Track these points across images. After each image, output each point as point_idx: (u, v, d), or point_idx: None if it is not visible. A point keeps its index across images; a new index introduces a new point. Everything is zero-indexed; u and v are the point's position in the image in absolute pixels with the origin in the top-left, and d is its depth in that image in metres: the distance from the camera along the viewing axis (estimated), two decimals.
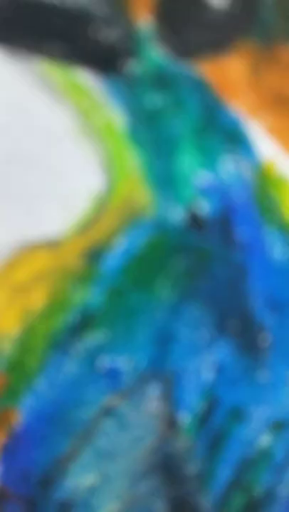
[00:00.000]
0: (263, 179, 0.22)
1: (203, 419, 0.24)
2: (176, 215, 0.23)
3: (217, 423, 0.24)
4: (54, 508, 0.25)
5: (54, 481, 0.25)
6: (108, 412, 0.24)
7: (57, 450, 0.25)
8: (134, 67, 0.23)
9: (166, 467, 0.27)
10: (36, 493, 0.25)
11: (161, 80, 0.22)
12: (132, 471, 0.26)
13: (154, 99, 0.22)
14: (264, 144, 0.21)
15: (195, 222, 0.22)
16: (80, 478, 0.25)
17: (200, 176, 0.22)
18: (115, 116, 0.23)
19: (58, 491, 0.25)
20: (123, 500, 0.27)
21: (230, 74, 0.24)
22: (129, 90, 0.23)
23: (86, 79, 0.23)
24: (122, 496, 0.26)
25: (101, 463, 0.25)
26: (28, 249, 0.23)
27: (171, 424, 0.26)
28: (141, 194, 0.23)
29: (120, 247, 0.22)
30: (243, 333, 0.23)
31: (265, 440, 0.24)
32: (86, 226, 0.23)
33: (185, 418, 0.23)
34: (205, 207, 0.22)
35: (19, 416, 0.24)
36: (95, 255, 0.23)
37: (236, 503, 0.25)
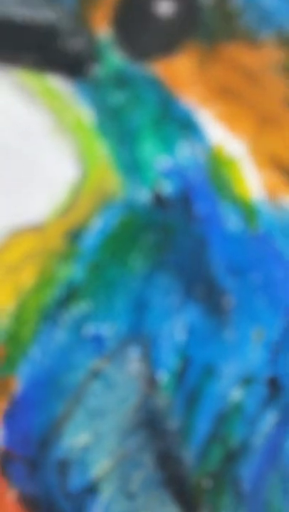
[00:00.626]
0: (215, 160, 0.23)
1: (179, 377, 0.25)
2: (143, 196, 0.24)
3: (192, 380, 0.25)
4: (52, 466, 0.26)
5: (51, 441, 0.26)
6: (95, 374, 0.25)
7: (52, 412, 0.26)
8: (97, 70, 0.23)
9: (149, 423, 0.26)
10: (36, 453, 0.26)
11: (121, 80, 0.23)
12: (120, 428, 0.26)
13: (116, 97, 0.23)
14: (213, 129, 0.22)
15: (159, 201, 0.24)
16: (74, 438, 0.26)
17: (160, 161, 0.23)
18: (84, 113, 0.24)
19: (56, 450, 0.26)
20: (114, 455, 0.26)
21: (180, 71, 0.23)
22: (94, 90, 0.23)
23: (57, 83, 0.23)
24: (113, 451, 0.26)
25: (92, 422, 0.26)
26: (17, 234, 0.25)
27: (151, 382, 0.26)
28: (111, 180, 0.24)
29: (96, 227, 0.24)
30: (209, 297, 0.25)
31: (236, 395, 0.25)
32: (65, 210, 0.25)
33: (163, 377, 0.25)
34: (167, 188, 0.23)
35: (17, 383, 0.26)
36: (74, 235, 0.25)
37: (215, 454, 0.26)
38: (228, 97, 0.23)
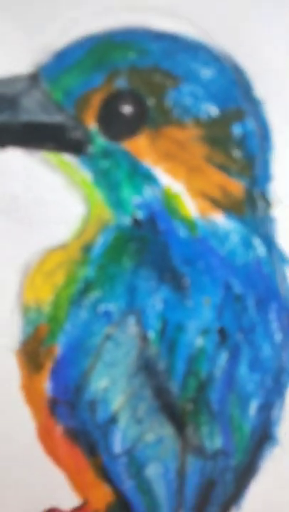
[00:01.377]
0: (167, 196, 0.31)
1: (161, 334, 0.32)
2: (126, 221, 0.32)
3: (169, 335, 0.33)
4: (85, 405, 0.33)
5: (83, 387, 0.33)
6: (108, 337, 0.32)
7: (81, 367, 0.33)
8: (90, 149, 0.31)
9: (146, 367, 0.33)
10: (73, 397, 0.33)
11: (106, 154, 0.31)
12: (127, 373, 0.33)
13: (104, 164, 0.31)
14: (163, 178, 0.31)
15: (137, 223, 0.32)
16: (98, 383, 0.33)
17: (135, 199, 0.31)
18: (86, 174, 0.31)
19: (86, 394, 0.33)
20: (125, 393, 0.33)
21: (140, 146, 0.30)
22: (90, 161, 0.31)
23: (68, 157, 0.31)
24: (124, 390, 0.33)
25: (108, 371, 0.33)
26: (51, 251, 0.33)
27: (144, 339, 0.32)
28: (105, 213, 0.32)
29: (99, 242, 0.32)
30: (174, 280, 0.32)
31: (199, 342, 0.32)
32: (80, 233, 0.32)
33: (151, 335, 0.32)
34: (140, 215, 0.31)
35: (58, 349, 0.33)
36: (87, 248, 0.32)
37: (191, 385, 0.33)
38: (170, 159, 0.31)
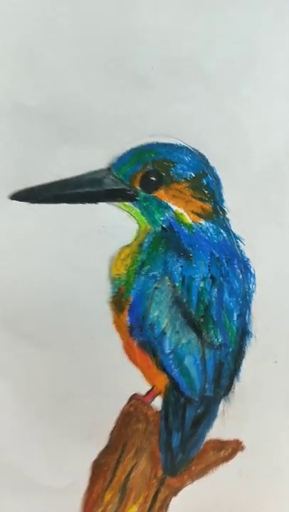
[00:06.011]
0: (176, 215, 0.42)
1: (182, 283, 0.42)
2: (158, 229, 0.42)
3: (186, 282, 0.42)
4: (148, 327, 0.41)
5: (146, 316, 0.42)
6: (156, 288, 0.42)
7: (144, 306, 0.42)
8: (138, 198, 0.42)
9: (177, 302, 0.41)
10: (141, 323, 0.42)
11: (145, 199, 0.42)
12: (168, 306, 0.41)
13: (145, 204, 0.42)
14: (173, 207, 0.42)
15: (164, 229, 0.42)
16: (153, 314, 0.42)
17: (161, 218, 0.42)
18: (137, 210, 0.43)
19: (148, 320, 0.42)
20: (167, 317, 0.41)
21: (161, 194, 0.42)
22: (138, 203, 0.42)
23: (128, 204, 0.42)
24: (167, 315, 0.41)
25: (158, 306, 0.41)
26: (123, 248, 0.43)
27: (174, 287, 0.42)
28: (148, 227, 0.43)
29: (147, 241, 0.43)
30: (184, 255, 0.42)
31: (201, 284, 0.41)
32: (136, 237, 0.44)
33: (177, 284, 0.41)
34: (165, 225, 0.42)
35: (131, 298, 0.42)
36: (140, 245, 0.43)
37: (200, 308, 0.41)
38: (176, 198, 0.41)
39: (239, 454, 0.45)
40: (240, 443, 0.45)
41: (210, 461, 0.45)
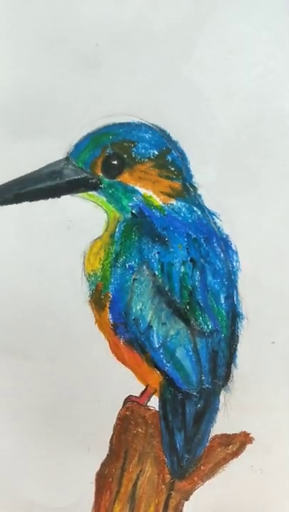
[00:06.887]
0: (144, 198, 0.40)
1: (162, 270, 0.40)
2: (128, 216, 0.41)
3: (166, 269, 0.40)
4: (132, 322, 0.40)
5: (128, 312, 0.40)
6: (134, 280, 0.40)
7: (125, 300, 0.40)
8: (101, 185, 0.41)
9: (159, 291, 0.40)
10: (124, 319, 0.40)
11: (110, 186, 0.41)
12: (150, 297, 0.40)
13: (110, 191, 0.41)
14: (140, 189, 0.40)
15: (133, 215, 0.41)
16: (136, 307, 0.40)
17: (129, 203, 0.41)
18: (102, 198, 0.41)
19: (131, 315, 0.40)
20: (152, 309, 0.40)
21: (125, 178, 0.41)
22: (103, 191, 0.41)
23: (92, 193, 0.41)
24: (151, 307, 0.40)
25: (139, 299, 0.40)
26: (95, 241, 0.41)
27: (154, 276, 0.40)
28: (117, 215, 0.42)
29: (118, 230, 0.41)
30: (159, 240, 0.40)
31: (182, 269, 0.40)
32: (106, 228, 0.42)
33: (157, 272, 0.39)
34: (134, 210, 0.41)
35: (110, 294, 0.40)
36: (112, 235, 0.42)
37: (184, 294, 0.40)
38: (141, 180, 0.40)
39: (248, 448, 0.43)
40: (248, 435, 0.43)
41: (218, 458, 0.43)
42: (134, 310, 0.40)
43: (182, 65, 0.40)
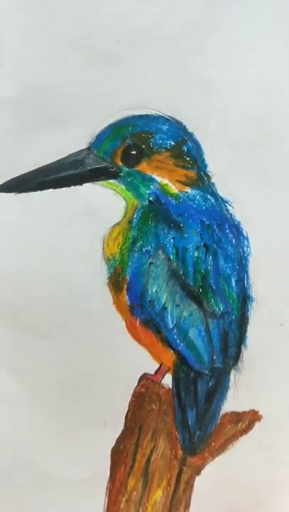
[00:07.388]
0: (161, 186, 0.42)
1: (176, 255, 0.42)
2: (146, 203, 0.42)
3: (180, 254, 0.42)
4: (148, 304, 0.41)
5: (144, 294, 0.42)
6: (150, 264, 0.41)
7: (141, 283, 0.42)
8: (121, 174, 0.42)
9: (173, 274, 0.41)
10: (141, 301, 0.42)
11: (129, 174, 0.42)
12: (165, 280, 0.41)
13: (129, 179, 0.42)
14: (157, 178, 0.42)
15: (151, 202, 0.42)
16: (151, 290, 0.41)
17: (147, 191, 0.42)
18: (122, 186, 0.43)
19: (147, 297, 0.41)
20: (166, 291, 0.41)
21: (143, 167, 0.41)
22: (122, 179, 0.43)
23: (112, 181, 0.43)
24: (166, 290, 0.41)
25: (155, 282, 0.41)
26: (113, 226, 0.43)
27: (169, 260, 0.41)
28: (135, 202, 0.43)
29: (136, 217, 0.43)
30: (175, 226, 0.42)
31: (196, 254, 0.41)
32: (125, 215, 0.44)
33: (172, 256, 0.41)
34: (151, 198, 0.42)
35: (127, 277, 0.42)
36: (130, 221, 0.43)
37: (198, 278, 0.41)
38: (159, 169, 0.41)
39: (257, 426, 0.44)
40: (257, 413, 0.44)
41: (228, 434, 0.44)
42: (149, 292, 0.41)
43: (195, 61, 0.42)
